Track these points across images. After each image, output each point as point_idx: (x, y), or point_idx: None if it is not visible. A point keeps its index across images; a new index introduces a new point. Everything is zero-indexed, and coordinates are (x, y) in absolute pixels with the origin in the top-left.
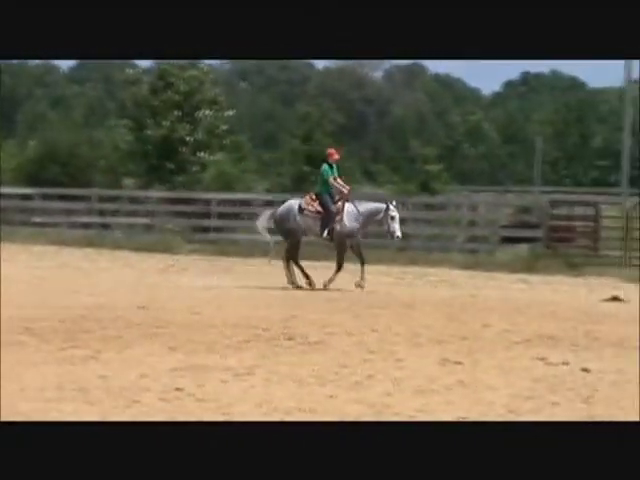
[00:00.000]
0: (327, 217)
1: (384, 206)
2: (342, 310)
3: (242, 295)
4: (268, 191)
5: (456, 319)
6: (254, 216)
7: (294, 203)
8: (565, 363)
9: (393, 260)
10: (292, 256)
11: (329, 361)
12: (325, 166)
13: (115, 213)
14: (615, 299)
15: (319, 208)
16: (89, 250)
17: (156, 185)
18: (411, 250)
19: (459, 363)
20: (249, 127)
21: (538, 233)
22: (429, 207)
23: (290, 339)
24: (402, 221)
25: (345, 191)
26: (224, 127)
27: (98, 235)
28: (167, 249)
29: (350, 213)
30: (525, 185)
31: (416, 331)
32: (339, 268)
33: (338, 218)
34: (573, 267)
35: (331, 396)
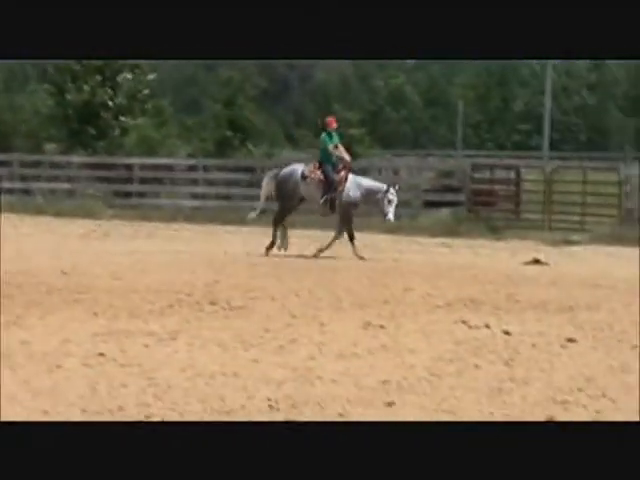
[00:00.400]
0: (327, 186)
1: (384, 188)
2: (265, 275)
3: (165, 260)
4: (191, 156)
5: (379, 283)
6: (176, 181)
7: (298, 168)
8: (487, 326)
9: (316, 224)
10: (280, 220)
11: (252, 325)
12: (323, 135)
13: (37, 178)
14: (536, 262)
15: (321, 176)
16: (11, 215)
17: (78, 150)
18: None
19: (382, 327)
20: (171, 91)
21: (460, 197)
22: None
23: (213, 304)
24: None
25: (347, 159)
26: (146, 91)
27: (20, 200)
28: (89, 214)
29: (353, 184)
30: (447, 149)
31: (339, 295)
32: (351, 238)
33: (340, 188)
34: (495, 231)
35: (255, 360)
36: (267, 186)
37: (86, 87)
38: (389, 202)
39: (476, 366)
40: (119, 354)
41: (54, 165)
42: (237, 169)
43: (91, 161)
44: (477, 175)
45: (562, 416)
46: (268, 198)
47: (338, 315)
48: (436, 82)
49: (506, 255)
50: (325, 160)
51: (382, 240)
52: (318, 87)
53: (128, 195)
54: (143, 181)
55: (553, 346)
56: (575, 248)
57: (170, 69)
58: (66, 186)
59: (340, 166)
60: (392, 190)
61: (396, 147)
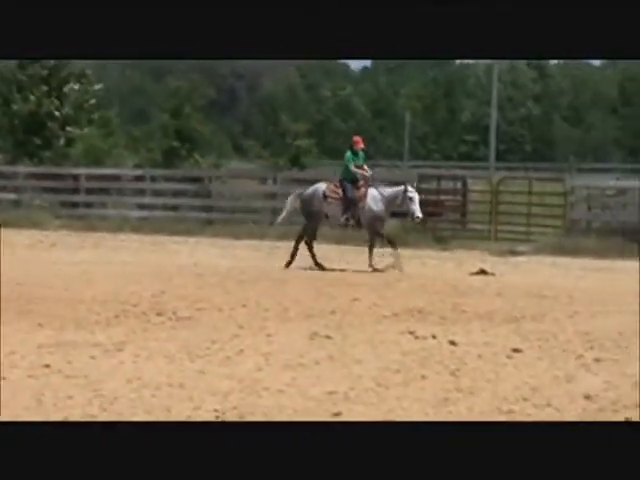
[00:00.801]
0: (347, 203)
1: (402, 189)
2: (212, 285)
3: (111, 271)
4: (138, 166)
5: (326, 293)
6: (123, 191)
7: (320, 187)
8: (433, 336)
9: (264, 235)
10: (303, 237)
11: (199, 336)
12: (348, 153)
13: None
14: (482, 272)
15: (342, 194)
16: None
17: (24, 160)
18: (281, 225)
19: (328, 337)
20: (118, 101)
21: None
22: (299, 182)
23: (160, 315)
24: (272, 196)
25: (365, 174)
26: (92, 101)
27: None
28: (35, 225)
29: (374, 197)
30: (394, 159)
31: (286, 306)
32: (394, 246)
33: (361, 204)
34: (441, 241)
35: (201, 371)
36: (291, 204)
37: (32, 97)
38: (411, 200)
39: (422, 376)
40: (65, 365)
41: (0, 175)
42: (184, 179)
43: (37, 171)
44: (424, 186)
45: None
46: (291, 213)
47: (285, 326)
48: (383, 93)
49: (452, 265)
50: (346, 178)
51: (329, 250)
52: (266, 97)
53: (75, 205)
54: (90, 191)
55: (499, 356)
56: (520, 258)
57: (117, 79)
58: (12, 196)
59: (361, 182)
60: (410, 188)
61: (342, 158)
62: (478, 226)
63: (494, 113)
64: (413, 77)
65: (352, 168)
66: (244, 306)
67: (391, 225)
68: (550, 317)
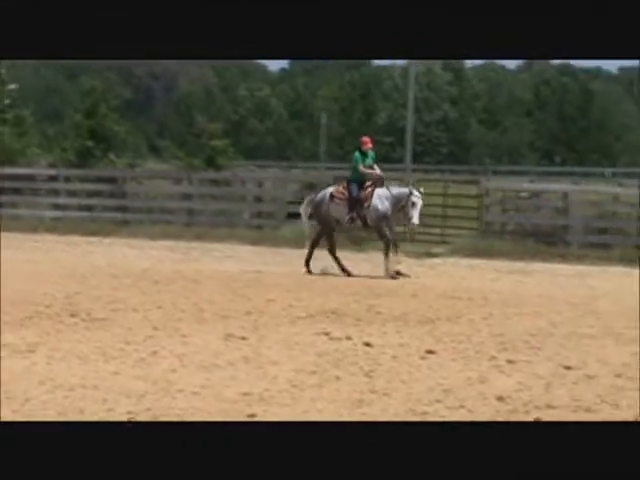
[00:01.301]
0: (351, 203)
1: (408, 192)
2: (127, 286)
3: (24, 271)
4: (52, 166)
5: (241, 294)
6: (37, 191)
7: (327, 191)
8: (348, 338)
9: (179, 236)
10: (318, 242)
11: (113, 337)
12: (357, 154)
13: None
14: (398, 274)
15: (348, 195)
16: None
17: None
18: (197, 226)
19: (244, 338)
20: (33, 100)
21: None
22: (215, 183)
23: (73, 316)
24: (187, 197)
25: (375, 175)
26: (6, 101)
27: None
28: None
29: (380, 197)
30: (311, 161)
31: (201, 307)
32: (388, 251)
33: (367, 204)
34: (357, 242)
35: (115, 372)
36: (304, 209)
37: None
38: (413, 205)
39: (337, 378)
40: None
41: None
42: (99, 180)
43: None
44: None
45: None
46: (310, 217)
47: (200, 327)
48: (300, 94)
49: (368, 267)
50: (354, 178)
51: (245, 251)
52: (182, 97)
53: None
54: (2, 191)
55: (413, 358)
56: (436, 260)
57: (32, 78)
58: None
59: (369, 182)
60: (415, 192)
61: (260, 159)
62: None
63: (410, 115)
64: (330, 79)
65: (361, 169)
66: (159, 307)
67: (306, 226)
68: (464, 319)
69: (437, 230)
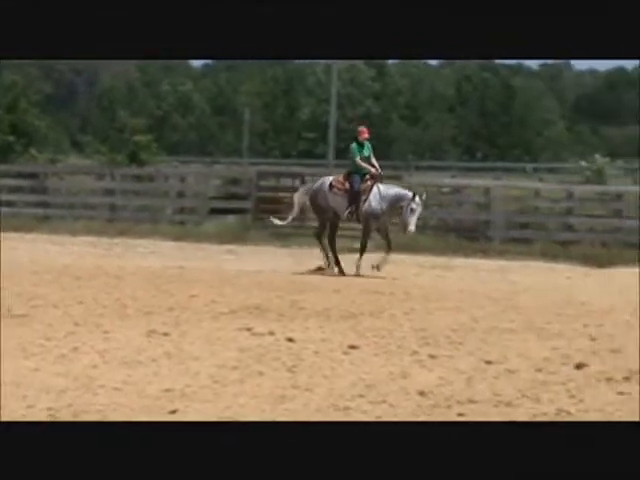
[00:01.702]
0: (352, 196)
1: (409, 196)
2: (48, 282)
3: None
4: None
5: (164, 290)
6: None
7: (327, 180)
8: (271, 333)
9: (102, 231)
10: (320, 234)
11: (34, 334)
12: (353, 145)
13: None
14: (320, 269)
15: (348, 187)
16: None
17: None
18: (120, 221)
19: (166, 334)
20: None
21: (246, 204)
22: (138, 178)
23: None
24: (110, 192)
25: (373, 171)
26: None
27: None
28: None
29: (376, 194)
30: (234, 156)
31: (123, 302)
32: (362, 250)
33: (364, 198)
34: (280, 238)
35: (36, 369)
36: (299, 199)
37: None
38: (412, 211)
39: (260, 373)
40: None
41: None
42: (20, 175)
43: None
44: (263, 183)
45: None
46: (302, 211)
47: (122, 322)
48: (223, 89)
49: (291, 262)
50: (354, 170)
51: (168, 246)
52: (104, 92)
53: None
54: None
55: (335, 353)
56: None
57: None
58: None
59: (368, 176)
60: (417, 199)
61: (183, 154)
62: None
63: (333, 111)
64: (253, 74)
65: (358, 161)
66: (80, 303)
67: (228, 222)
68: (387, 314)
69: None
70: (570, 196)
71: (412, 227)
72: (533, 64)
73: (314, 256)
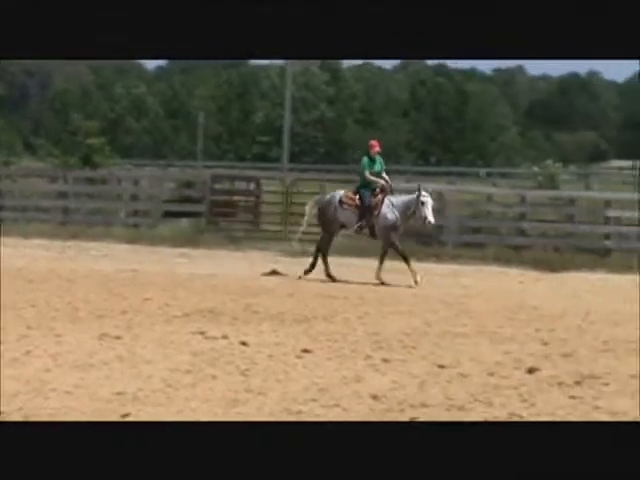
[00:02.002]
0: (362, 211)
1: (415, 194)
2: (1, 286)
3: None
4: None
5: (117, 293)
6: None
7: (337, 195)
8: (224, 337)
9: (54, 234)
10: (323, 247)
11: None
12: (364, 159)
13: None
14: (274, 273)
15: (358, 202)
16: None
17: None
18: (73, 224)
19: (118, 338)
20: None
21: (200, 208)
22: (91, 181)
23: None
24: (63, 195)
25: (382, 183)
26: None
27: None
28: None
29: (389, 205)
30: (188, 159)
31: (76, 306)
32: (406, 260)
33: (376, 212)
34: (234, 241)
35: None
36: (310, 210)
37: None
38: (423, 204)
39: (213, 377)
40: None
41: None
42: None
43: None
44: (217, 186)
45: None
46: (310, 223)
47: (75, 326)
48: (177, 93)
49: (245, 265)
50: (363, 185)
51: (121, 250)
52: (57, 95)
53: None
54: None
55: (289, 357)
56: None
57: None
58: None
59: (378, 190)
60: (423, 192)
61: (137, 157)
62: (271, 227)
63: (288, 115)
64: (207, 77)
65: (367, 176)
66: (33, 306)
67: (182, 225)
68: (340, 318)
69: (314, 229)
70: (523, 201)
71: (430, 218)
72: (487, 69)
73: (268, 260)
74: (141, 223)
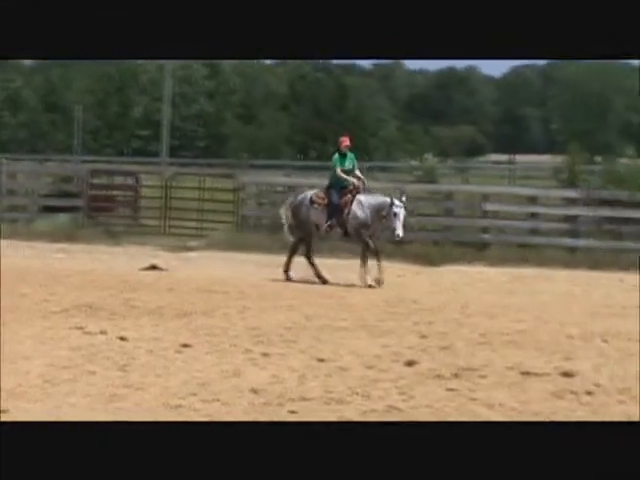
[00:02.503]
0: (331, 210)
1: (389, 202)
2: None
3: None
4: None
5: None
6: None
7: (308, 194)
8: (103, 332)
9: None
10: (298, 249)
11: None
12: (335, 156)
13: None
14: (154, 268)
15: (326, 201)
16: None
17: None
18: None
19: None
20: None
21: (78, 202)
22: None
23: None
24: None
25: (354, 182)
26: None
27: None
28: None
29: (360, 203)
30: (66, 154)
31: None
32: (378, 259)
33: (346, 211)
34: (113, 236)
35: None
36: (284, 213)
37: None
38: (395, 216)
39: (91, 372)
40: None
41: None
42: None
43: None
44: (95, 181)
45: (176, 420)
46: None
47: None
48: (55, 86)
49: (124, 260)
50: (334, 183)
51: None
52: None
53: None
54: None
55: (168, 351)
56: (192, 254)
57: None
58: None
59: (348, 188)
60: (397, 202)
61: (13, 152)
62: (150, 221)
63: (167, 109)
64: (85, 71)
65: (338, 173)
66: None
67: (60, 220)
68: (220, 312)
69: (193, 224)
70: (401, 195)
71: (399, 232)
72: (366, 63)
73: (147, 254)
74: (18, 218)
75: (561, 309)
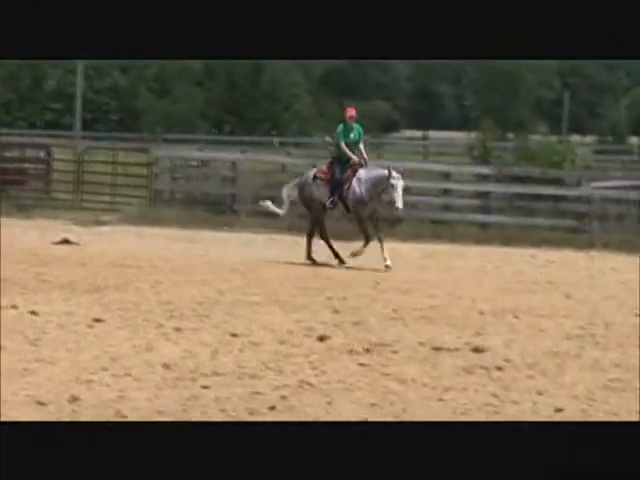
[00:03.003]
0: (333, 185)
1: (385, 173)
2: None
3: None
4: None
5: None
6: None
7: (312, 171)
8: (14, 306)
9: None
10: (313, 230)
11: None
12: (340, 127)
13: None
14: (66, 242)
15: (329, 176)
16: None
17: None
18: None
19: None
20: None
21: None
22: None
23: None
24: None
25: (355, 159)
26: None
27: None
28: None
29: (358, 179)
30: None
31: None
32: (366, 239)
33: (346, 186)
34: (24, 209)
35: None
36: (289, 193)
37: None
38: (393, 187)
39: (2, 347)
40: None
41: None
42: None
43: None
44: (7, 154)
45: (86, 395)
46: (292, 202)
47: None
48: None
49: (35, 234)
50: (337, 156)
51: None
52: None
53: None
54: None
55: (80, 326)
56: (105, 228)
57: None
58: None
59: (351, 163)
60: (394, 174)
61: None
62: (62, 195)
63: (80, 82)
64: None
65: (342, 147)
66: None
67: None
68: (133, 287)
69: (106, 198)
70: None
71: (399, 204)
72: None
73: (59, 228)
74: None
75: (473, 285)
